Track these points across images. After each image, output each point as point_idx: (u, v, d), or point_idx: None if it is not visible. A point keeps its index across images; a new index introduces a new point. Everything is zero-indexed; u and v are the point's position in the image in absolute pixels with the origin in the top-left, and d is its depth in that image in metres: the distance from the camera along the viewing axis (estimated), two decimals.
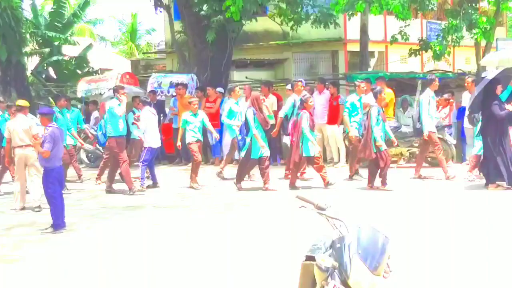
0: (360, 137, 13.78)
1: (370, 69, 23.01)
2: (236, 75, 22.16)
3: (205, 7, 19.29)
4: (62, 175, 11.03)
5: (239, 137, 13.87)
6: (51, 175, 10.73)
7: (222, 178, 15.17)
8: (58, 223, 10.70)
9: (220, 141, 17.27)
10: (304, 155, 13.32)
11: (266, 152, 13.57)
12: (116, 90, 14.35)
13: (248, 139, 13.48)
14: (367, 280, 4.49)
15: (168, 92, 19.10)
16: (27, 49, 27.43)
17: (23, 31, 24.66)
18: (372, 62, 25.62)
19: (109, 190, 14.20)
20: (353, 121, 14.61)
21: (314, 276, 4.80)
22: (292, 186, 13.51)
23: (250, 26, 21.83)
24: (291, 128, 13.92)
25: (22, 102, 13.43)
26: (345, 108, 14.76)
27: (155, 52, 35.66)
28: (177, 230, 10.44)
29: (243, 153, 13.73)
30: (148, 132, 14.40)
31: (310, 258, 4.92)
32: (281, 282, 7.19)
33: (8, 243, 10.07)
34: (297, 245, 7.87)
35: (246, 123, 13.53)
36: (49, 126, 10.85)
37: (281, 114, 15.20)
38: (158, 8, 22.51)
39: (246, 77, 21.17)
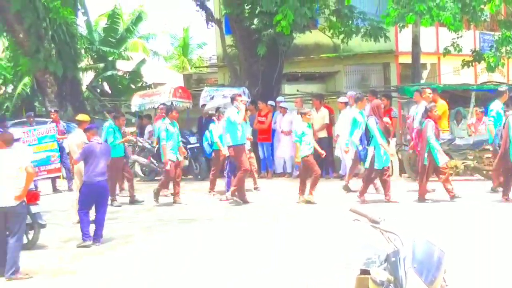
0: (497, 147, 13.06)
1: (422, 81, 22.82)
2: (287, 88, 22.21)
3: (256, 21, 19.44)
4: (98, 191, 11.02)
5: (360, 147, 13.38)
6: (83, 189, 11.09)
7: (348, 191, 14.52)
8: (96, 234, 10.94)
9: (272, 154, 17.35)
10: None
11: (388, 162, 13.29)
12: (234, 98, 14.18)
13: (370, 149, 13.05)
14: None
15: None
16: (82, 64, 28.00)
17: (78, 46, 25.19)
18: (425, 74, 25.40)
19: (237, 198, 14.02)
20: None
21: None
22: (421, 198, 12.98)
23: (301, 39, 21.89)
24: (415, 137, 13.55)
25: (81, 117, 13.64)
26: (490, 117, 13.85)
27: (206, 66, 35.98)
28: (231, 242, 10.53)
29: (366, 164, 13.28)
30: None
31: (365, 272, 4.94)
32: None
33: (66, 255, 10.31)
34: (350, 258, 7.88)
35: (367, 133, 13.14)
36: (91, 141, 11.22)
37: (416, 124, 14.34)
38: (210, 22, 22.75)
39: (298, 90, 21.21)
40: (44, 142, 16.73)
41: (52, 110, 19.11)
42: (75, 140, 12.74)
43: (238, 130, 13.81)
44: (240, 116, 13.81)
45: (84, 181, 11.14)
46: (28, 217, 10.35)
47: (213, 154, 15.51)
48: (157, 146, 15.52)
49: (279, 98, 18.73)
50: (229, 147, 13.98)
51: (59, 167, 17.09)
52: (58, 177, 17.40)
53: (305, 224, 11.70)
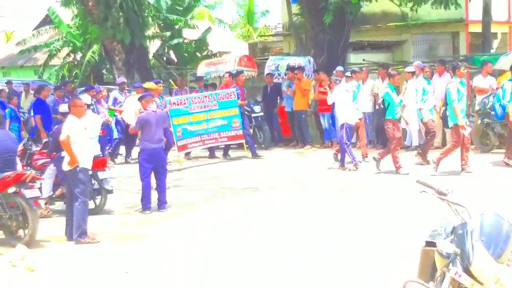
0: None
1: (492, 51, 22.25)
2: (353, 57, 21.96)
3: None
4: (154, 158, 11.07)
5: None
6: (141, 155, 11.20)
7: None
8: (143, 203, 11.10)
9: (334, 124, 17.19)
10: None
11: None
12: None
13: None
14: (490, 268, 4.40)
15: (285, 75, 19.12)
16: (149, 32, 28.24)
17: (146, 15, 25.40)
18: (495, 43, 24.75)
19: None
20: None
21: (435, 262, 4.76)
22: None
23: (368, 7, 21.57)
24: None
25: (148, 85, 13.68)
26: None
27: (272, 35, 35.82)
28: (292, 212, 10.56)
29: None
30: (344, 109, 14.28)
31: (430, 244, 4.87)
32: (399, 268, 7.14)
33: (131, 221, 10.50)
34: (416, 230, 7.79)
35: None
36: (146, 109, 11.30)
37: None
38: None
39: (363, 60, 20.94)
40: (225, 108, 16.44)
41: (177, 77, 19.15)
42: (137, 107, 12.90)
43: None
44: None
45: (140, 148, 11.31)
46: (96, 182, 10.62)
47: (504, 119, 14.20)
48: None
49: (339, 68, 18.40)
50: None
51: (241, 134, 16.74)
52: (241, 144, 17.11)
53: (365, 196, 11.55)
